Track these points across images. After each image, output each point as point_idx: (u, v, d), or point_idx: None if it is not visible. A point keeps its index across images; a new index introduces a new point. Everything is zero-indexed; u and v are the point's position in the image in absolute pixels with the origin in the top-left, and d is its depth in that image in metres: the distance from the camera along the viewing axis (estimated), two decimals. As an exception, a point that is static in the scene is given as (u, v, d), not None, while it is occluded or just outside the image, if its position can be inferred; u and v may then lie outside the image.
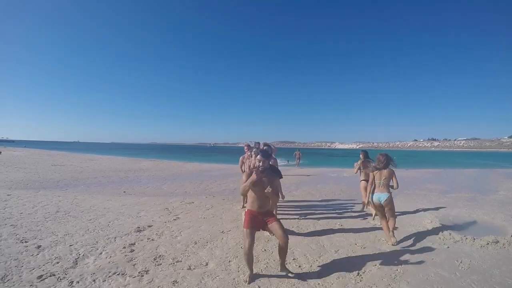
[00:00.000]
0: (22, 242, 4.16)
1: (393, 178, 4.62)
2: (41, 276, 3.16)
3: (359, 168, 6.60)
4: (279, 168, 6.04)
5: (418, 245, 4.45)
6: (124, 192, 9.01)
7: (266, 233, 4.54)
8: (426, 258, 3.93)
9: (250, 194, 3.27)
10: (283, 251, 3.23)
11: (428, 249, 4.28)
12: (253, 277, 3.24)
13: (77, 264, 3.52)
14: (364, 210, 6.76)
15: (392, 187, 4.65)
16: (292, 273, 3.34)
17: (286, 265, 3.42)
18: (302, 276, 3.33)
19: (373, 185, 4.68)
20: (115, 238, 4.51)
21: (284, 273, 3.33)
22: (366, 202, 6.23)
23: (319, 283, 3.19)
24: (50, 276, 3.18)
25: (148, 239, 4.51)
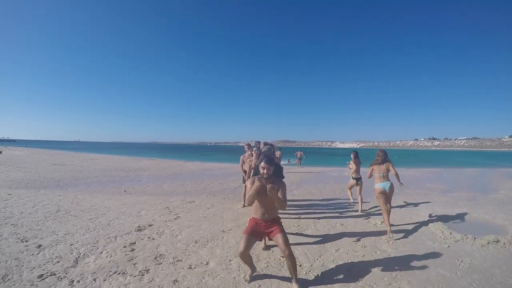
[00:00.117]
0: (23, 242, 4.16)
1: (392, 169, 5.16)
2: (41, 275, 3.16)
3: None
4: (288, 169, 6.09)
5: (419, 245, 4.44)
6: (125, 191, 9.02)
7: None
8: (426, 257, 3.92)
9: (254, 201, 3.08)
10: (289, 265, 2.97)
11: (429, 248, 4.27)
12: (254, 276, 3.23)
13: (77, 263, 3.52)
14: (352, 206, 7.18)
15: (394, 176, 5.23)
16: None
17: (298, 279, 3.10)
18: (303, 276, 3.33)
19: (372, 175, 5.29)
20: (115, 237, 4.51)
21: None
22: (359, 200, 6.82)
23: (320, 282, 3.18)
24: (51, 275, 3.18)
25: (148, 238, 4.51)
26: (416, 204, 7.50)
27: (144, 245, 4.20)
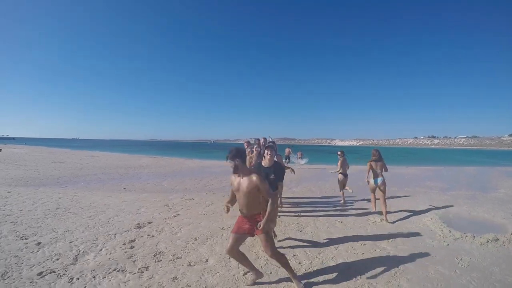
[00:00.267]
0: (22, 239, 4.16)
1: (385, 166, 6.09)
2: (41, 272, 3.16)
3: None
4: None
5: (418, 243, 4.45)
6: (124, 188, 9.02)
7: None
8: (426, 255, 3.94)
9: None
10: (279, 264, 2.94)
11: (428, 247, 4.28)
12: (251, 274, 3.17)
13: (77, 260, 3.52)
14: (343, 201, 7.47)
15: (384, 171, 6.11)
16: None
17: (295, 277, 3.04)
18: (303, 276, 3.34)
19: (370, 171, 6.12)
20: (115, 234, 4.51)
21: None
22: (342, 193, 7.52)
23: (319, 280, 3.19)
24: (50, 272, 3.18)
25: (148, 235, 4.51)
26: (415, 202, 7.50)
27: (144, 242, 4.21)
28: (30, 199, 6.86)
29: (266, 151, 4.06)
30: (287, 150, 21.14)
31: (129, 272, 3.26)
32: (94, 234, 4.49)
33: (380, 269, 3.48)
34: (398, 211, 6.48)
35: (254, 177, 2.83)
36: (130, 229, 4.79)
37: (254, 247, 4.12)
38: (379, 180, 5.95)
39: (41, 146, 44.72)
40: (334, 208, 6.79)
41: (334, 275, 3.32)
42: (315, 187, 9.96)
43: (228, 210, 3.11)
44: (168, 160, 23.75)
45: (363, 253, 3.98)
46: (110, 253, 3.77)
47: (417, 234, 4.86)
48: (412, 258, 3.83)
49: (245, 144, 6.88)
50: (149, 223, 5.19)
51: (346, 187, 7.56)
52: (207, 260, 3.63)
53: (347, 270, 3.43)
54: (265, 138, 6.70)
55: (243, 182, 2.86)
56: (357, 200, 7.69)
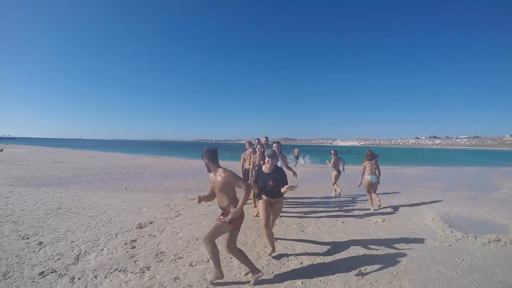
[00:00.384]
0: (24, 239, 4.17)
1: (378, 166, 6.85)
2: (42, 272, 3.17)
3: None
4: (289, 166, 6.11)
5: (420, 243, 4.44)
6: (126, 188, 9.04)
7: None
8: (427, 255, 3.93)
9: None
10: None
11: (430, 247, 4.27)
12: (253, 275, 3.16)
13: (78, 260, 3.53)
14: (334, 194, 8.46)
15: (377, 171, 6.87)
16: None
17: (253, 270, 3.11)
18: (303, 274, 3.33)
19: (365, 170, 6.85)
20: (116, 234, 4.52)
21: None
22: (335, 187, 8.41)
23: (320, 280, 3.19)
24: (52, 272, 3.19)
25: (149, 235, 4.52)
26: (417, 203, 7.49)
27: (145, 242, 4.21)
28: (32, 199, 6.88)
29: (267, 159, 3.81)
30: (296, 150, 21.10)
31: (130, 272, 3.26)
32: (96, 234, 4.50)
33: (381, 269, 3.47)
34: (399, 212, 6.47)
35: (223, 173, 2.96)
36: (132, 229, 4.80)
37: (255, 247, 4.13)
38: (374, 177, 6.69)
39: (43, 146, 44.83)
40: (335, 208, 6.78)
41: (335, 275, 3.31)
42: (316, 187, 9.95)
43: (199, 201, 3.15)
44: (169, 160, 23.78)
45: (364, 253, 3.97)
46: (112, 253, 3.77)
47: (418, 235, 4.85)
48: (413, 258, 3.82)
49: (247, 144, 6.87)
50: (151, 223, 5.20)
51: (336, 186, 8.40)
52: (208, 260, 3.63)
53: (349, 270, 3.42)
54: (266, 137, 6.68)
55: (216, 179, 3.01)
56: (359, 201, 7.69)
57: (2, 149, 27.56)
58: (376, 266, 3.55)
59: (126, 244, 4.10)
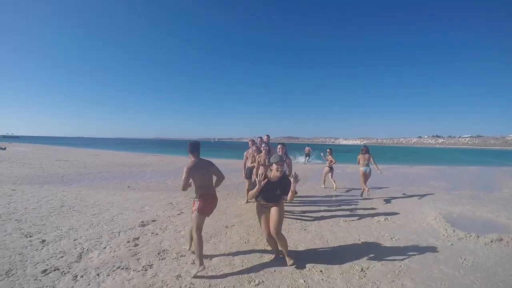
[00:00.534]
0: (27, 237, 4.20)
1: (371, 159, 7.97)
2: (45, 270, 3.19)
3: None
4: (293, 166, 6.12)
5: (422, 242, 4.43)
6: (128, 187, 9.07)
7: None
8: (430, 255, 3.92)
9: None
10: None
11: (432, 246, 4.25)
12: (257, 271, 3.17)
13: (81, 258, 3.55)
14: (324, 186, 9.75)
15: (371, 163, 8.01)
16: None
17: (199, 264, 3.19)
18: (303, 273, 3.34)
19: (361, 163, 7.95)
20: (119, 232, 4.54)
21: None
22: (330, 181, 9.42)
23: (322, 279, 3.19)
24: (54, 270, 3.21)
25: (152, 233, 4.53)
26: (419, 202, 7.47)
27: (148, 240, 4.23)
28: (35, 197, 6.92)
29: (275, 166, 3.38)
30: (306, 148, 21.48)
31: (133, 270, 3.28)
32: (98, 232, 4.52)
33: (384, 268, 3.47)
34: (402, 211, 6.45)
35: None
36: (134, 227, 4.82)
37: (258, 245, 4.13)
38: (368, 169, 7.81)
39: (45, 145, 45.04)
40: (338, 207, 6.77)
41: (338, 273, 3.31)
42: (319, 186, 9.94)
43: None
44: (172, 158, 23.81)
45: (366, 252, 3.96)
46: (114, 251, 3.79)
47: (421, 234, 4.83)
48: (416, 257, 3.82)
49: (250, 142, 6.87)
50: (153, 221, 5.22)
51: (323, 185, 9.79)
52: (211, 259, 3.64)
53: (351, 269, 3.42)
54: (268, 136, 6.69)
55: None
56: (361, 200, 7.68)
57: (5, 148, 27.72)
58: (378, 265, 3.55)
59: (128, 242, 4.12)
